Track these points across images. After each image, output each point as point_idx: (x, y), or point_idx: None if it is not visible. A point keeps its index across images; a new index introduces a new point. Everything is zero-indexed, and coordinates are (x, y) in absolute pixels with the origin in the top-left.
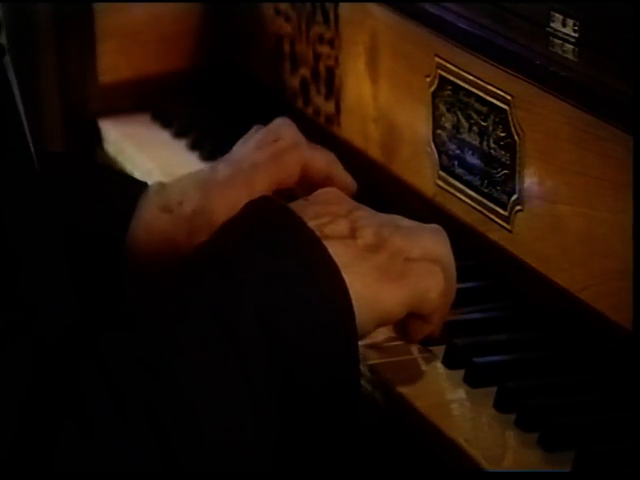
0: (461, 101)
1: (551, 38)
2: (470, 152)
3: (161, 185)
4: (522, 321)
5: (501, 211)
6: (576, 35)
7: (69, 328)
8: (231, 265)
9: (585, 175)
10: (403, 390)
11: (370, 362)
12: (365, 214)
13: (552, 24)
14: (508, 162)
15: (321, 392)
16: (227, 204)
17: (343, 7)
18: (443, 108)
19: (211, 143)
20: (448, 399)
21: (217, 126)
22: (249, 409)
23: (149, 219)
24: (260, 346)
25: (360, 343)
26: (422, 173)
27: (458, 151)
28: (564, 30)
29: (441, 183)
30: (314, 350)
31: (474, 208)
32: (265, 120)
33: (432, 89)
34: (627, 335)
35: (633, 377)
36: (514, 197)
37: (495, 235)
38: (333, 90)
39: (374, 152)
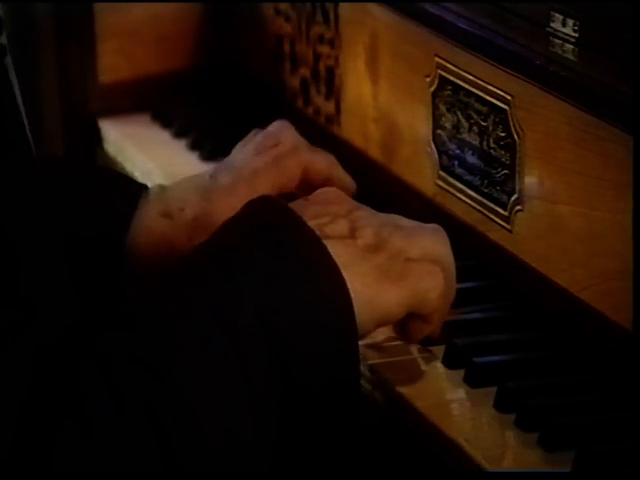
0: (461, 101)
1: (551, 38)
2: (470, 152)
3: (161, 188)
4: (522, 321)
5: (501, 211)
6: (576, 35)
7: (69, 328)
8: (231, 265)
9: (585, 175)
10: (403, 390)
11: (370, 362)
12: (365, 214)
13: (552, 24)
14: (508, 162)
15: (321, 392)
16: (229, 211)
17: (343, 7)
18: (443, 108)
19: (211, 143)
20: (448, 399)
21: (217, 126)
22: (248, 409)
23: (149, 223)
24: (260, 346)
25: (360, 343)
26: (422, 173)
27: (458, 151)
28: (564, 30)
29: (441, 183)
30: (314, 350)
31: (474, 208)
32: (265, 120)
33: (432, 89)
34: (627, 335)
35: (633, 377)
36: (514, 197)
37: (495, 235)
38: (333, 90)
39: (374, 152)
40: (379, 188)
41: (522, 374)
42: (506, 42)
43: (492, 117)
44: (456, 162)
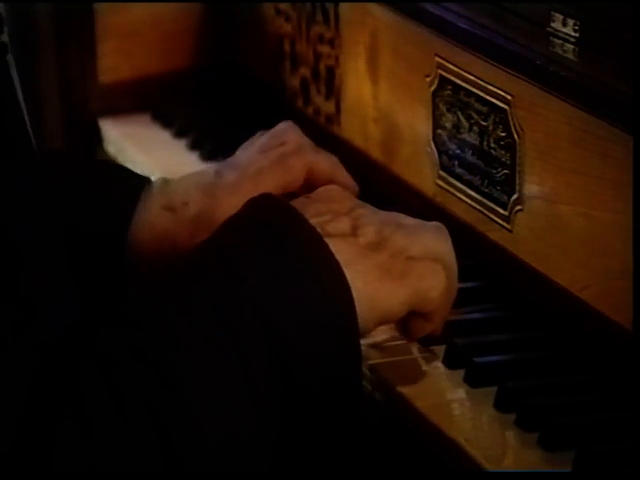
0: (461, 101)
1: (551, 38)
2: (470, 152)
3: (165, 182)
4: (522, 321)
5: (501, 211)
6: (576, 35)
7: (70, 326)
8: (232, 262)
9: (585, 175)
10: (403, 390)
11: (370, 362)
12: (367, 212)
13: (552, 24)
14: (508, 162)
15: (322, 390)
16: (232, 209)
17: (343, 7)
18: (443, 108)
19: (211, 143)
20: (448, 399)
21: (217, 126)
22: (250, 407)
23: (151, 217)
24: (261, 344)
25: (361, 342)
26: (422, 173)
27: (458, 151)
28: (564, 30)
29: (441, 183)
30: (315, 348)
31: (474, 208)
32: (265, 120)
33: (432, 89)
34: (627, 335)
35: (633, 377)
36: (514, 197)
37: (495, 235)
38: (333, 90)
39: (374, 152)
40: (379, 188)
41: (522, 374)
42: (506, 42)
43: (492, 117)
44: (456, 162)
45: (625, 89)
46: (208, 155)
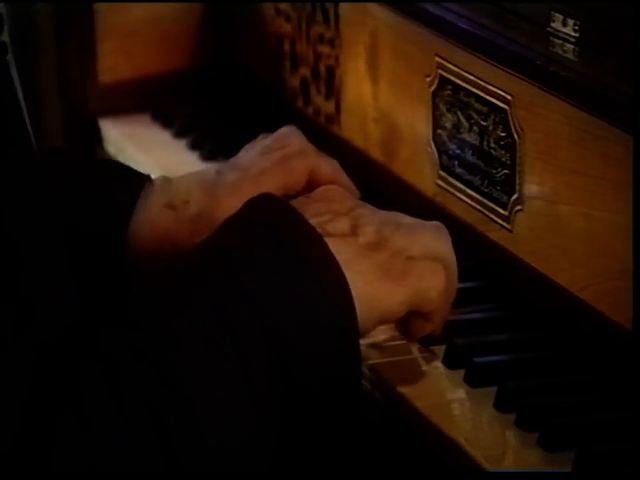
0: (461, 101)
1: (551, 38)
2: (470, 152)
3: (166, 181)
4: (522, 321)
5: (501, 211)
6: (576, 35)
7: (70, 325)
8: (232, 262)
9: (585, 175)
10: (403, 390)
11: (370, 362)
12: (366, 212)
13: (552, 24)
14: (508, 162)
15: (322, 390)
16: (233, 208)
17: (343, 7)
18: (443, 108)
19: (211, 143)
20: (448, 399)
21: (217, 126)
22: (249, 406)
23: (152, 215)
24: (260, 344)
25: (361, 342)
26: (422, 173)
27: (458, 151)
28: (564, 30)
29: (441, 183)
30: (315, 348)
31: (474, 208)
32: (265, 120)
33: (432, 89)
34: (627, 335)
35: (633, 377)
36: (514, 197)
37: (495, 235)
38: (333, 90)
39: (374, 152)
40: (379, 188)
41: (522, 374)
42: (506, 42)
43: (492, 117)
44: (456, 162)
45: (625, 89)
46: (208, 155)
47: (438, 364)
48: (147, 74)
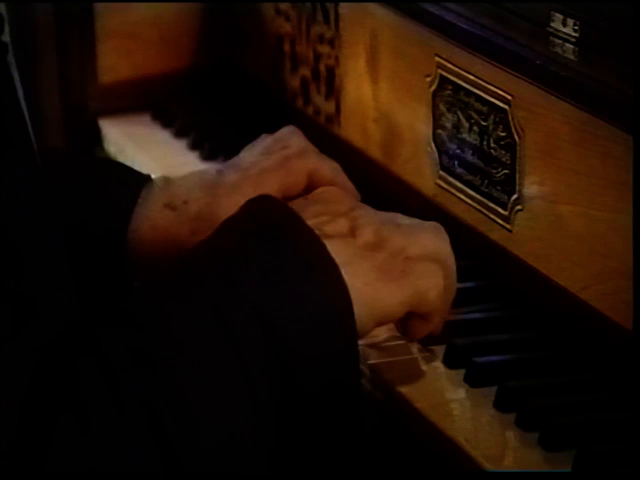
0: (461, 101)
1: (551, 38)
2: (470, 152)
3: (166, 180)
4: (522, 321)
5: (501, 211)
6: (576, 35)
7: (70, 324)
8: (230, 263)
9: (585, 175)
10: (403, 390)
11: (370, 362)
12: (365, 212)
13: (552, 24)
14: (508, 162)
15: (320, 391)
16: (233, 208)
17: (343, 7)
18: (443, 108)
19: (211, 143)
20: (448, 399)
21: (217, 126)
22: (248, 407)
23: (152, 214)
24: (258, 345)
25: (360, 342)
26: (422, 173)
27: (458, 151)
28: (564, 30)
29: (441, 183)
30: (313, 349)
31: (474, 208)
32: (265, 120)
33: (432, 89)
34: (627, 335)
35: (633, 377)
36: (514, 197)
37: (495, 235)
38: (333, 90)
39: (374, 152)
40: (379, 188)
41: (522, 374)
42: (506, 42)
43: (492, 117)
44: (456, 162)
45: (625, 89)
46: (208, 155)
47: (438, 364)
48: (147, 74)
